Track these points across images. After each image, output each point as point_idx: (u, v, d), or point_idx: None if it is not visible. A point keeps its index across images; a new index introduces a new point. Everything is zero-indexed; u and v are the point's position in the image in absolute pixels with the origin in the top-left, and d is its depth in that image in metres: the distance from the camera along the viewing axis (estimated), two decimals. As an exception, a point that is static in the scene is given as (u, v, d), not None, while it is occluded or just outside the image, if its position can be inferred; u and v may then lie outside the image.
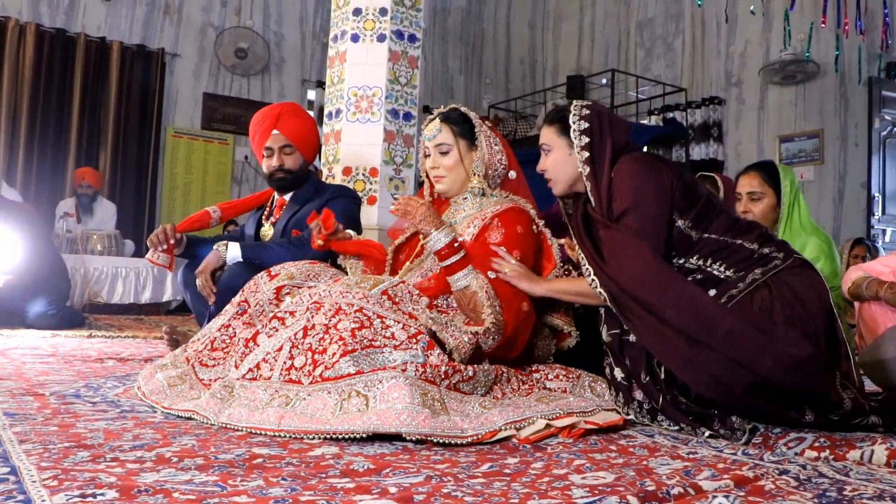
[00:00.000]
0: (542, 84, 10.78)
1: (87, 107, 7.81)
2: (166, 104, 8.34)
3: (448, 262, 2.18)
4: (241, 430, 1.72)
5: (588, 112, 2.17)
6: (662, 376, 1.96)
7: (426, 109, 9.67)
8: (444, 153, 2.38)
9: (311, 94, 9.14)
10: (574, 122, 2.15)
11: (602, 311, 2.13)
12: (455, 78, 10.44)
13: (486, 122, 2.45)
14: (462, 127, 2.39)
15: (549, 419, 1.80)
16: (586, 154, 2.12)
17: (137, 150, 8.06)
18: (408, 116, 4.36)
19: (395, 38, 4.34)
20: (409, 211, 2.26)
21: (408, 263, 2.44)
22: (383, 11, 4.33)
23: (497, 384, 2.04)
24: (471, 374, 1.93)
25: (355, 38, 4.34)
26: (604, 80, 9.43)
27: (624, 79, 9.22)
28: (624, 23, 10.03)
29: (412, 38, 4.40)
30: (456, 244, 2.20)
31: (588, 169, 2.12)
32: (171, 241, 2.94)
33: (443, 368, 1.88)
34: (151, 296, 6.17)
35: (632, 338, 2.02)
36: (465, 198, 2.40)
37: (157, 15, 8.35)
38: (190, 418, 1.85)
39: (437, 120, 2.42)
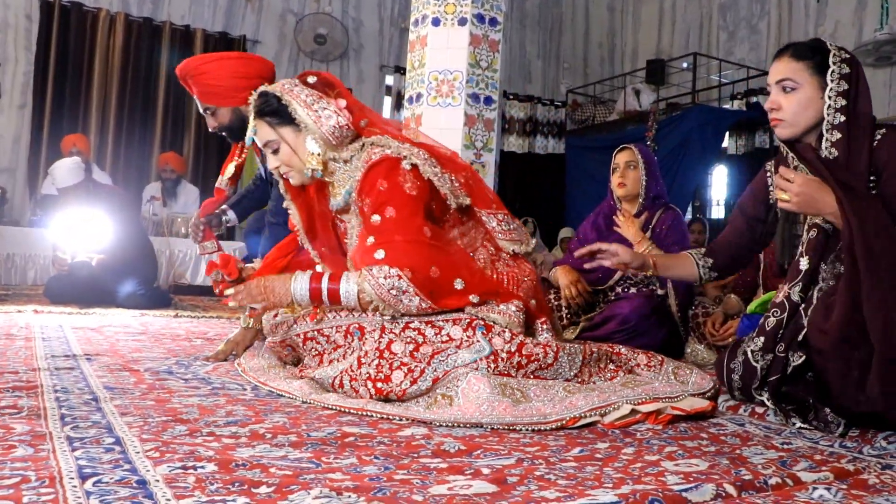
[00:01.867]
0: (620, 68, 10.58)
1: (171, 93, 8.02)
2: (248, 90, 8.47)
3: (325, 291, 1.95)
4: (332, 409, 1.74)
5: (848, 57, 1.92)
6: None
7: (505, 94, 9.62)
8: (275, 151, 2.12)
9: (390, 80, 9.18)
10: (835, 63, 1.89)
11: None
12: (533, 62, 10.34)
13: (309, 77, 2.13)
14: (279, 114, 2.09)
15: (634, 405, 1.76)
16: (842, 102, 1.88)
17: (220, 136, 8.21)
18: (488, 101, 4.33)
19: (477, 22, 4.31)
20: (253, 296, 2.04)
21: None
22: (464, -6, 4.31)
23: (585, 365, 1.97)
24: (550, 361, 1.88)
25: (436, 22, 4.33)
26: (685, 64, 9.20)
27: (706, 62, 8.98)
28: (706, 5, 9.76)
29: (493, 22, 4.36)
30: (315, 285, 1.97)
31: (842, 119, 1.87)
32: (202, 230, 3.06)
33: (510, 349, 1.85)
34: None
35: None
36: (331, 172, 2.13)
37: (239, 2, 8.50)
38: (280, 396, 1.88)
39: (253, 119, 2.14)
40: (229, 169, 3.03)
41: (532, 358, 1.86)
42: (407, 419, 1.65)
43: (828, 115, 1.88)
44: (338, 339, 1.96)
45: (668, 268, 2.30)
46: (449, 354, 1.82)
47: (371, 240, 1.94)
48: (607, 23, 10.86)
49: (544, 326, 2.06)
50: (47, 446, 1.29)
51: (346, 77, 8.97)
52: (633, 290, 3.27)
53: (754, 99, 8.57)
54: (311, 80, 2.12)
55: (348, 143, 2.10)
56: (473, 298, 1.92)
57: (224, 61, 2.88)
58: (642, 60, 10.02)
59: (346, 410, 1.72)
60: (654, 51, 10.26)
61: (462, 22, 4.30)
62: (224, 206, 3.35)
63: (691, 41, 9.81)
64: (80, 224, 4.51)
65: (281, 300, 1.99)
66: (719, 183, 9.47)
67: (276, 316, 2.15)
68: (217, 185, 3.13)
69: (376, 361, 1.83)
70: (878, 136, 1.86)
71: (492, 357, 1.83)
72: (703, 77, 8.86)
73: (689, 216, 8.29)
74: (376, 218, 1.96)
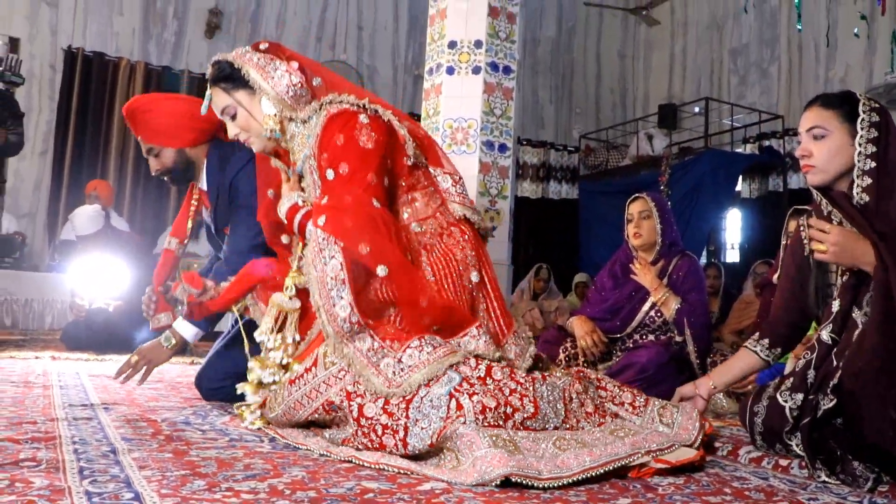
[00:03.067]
0: (633, 113, 10.67)
1: (189, 140, 8.12)
2: (264, 137, 8.59)
3: (296, 222, 2.03)
4: (350, 462, 1.72)
5: (878, 106, 1.98)
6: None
7: (518, 140, 9.70)
8: (233, 116, 2.12)
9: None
10: (865, 112, 1.95)
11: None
12: (545, 108, 10.45)
13: (261, 45, 2.14)
14: (233, 79, 2.10)
15: (625, 462, 1.68)
16: (873, 149, 1.92)
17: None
18: (503, 148, 4.37)
19: (491, 71, 4.38)
20: None
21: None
22: (478, 44, 4.37)
23: (569, 412, 1.86)
24: (532, 410, 1.78)
25: (451, 71, 4.39)
26: (697, 109, 9.27)
27: (717, 107, 9.04)
28: (717, 50, 9.86)
29: (507, 70, 4.43)
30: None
31: (873, 164, 1.92)
32: (154, 304, 2.81)
33: (479, 374, 1.79)
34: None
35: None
36: (292, 135, 2.13)
37: (255, 51, 8.64)
38: (297, 448, 1.88)
39: (209, 88, 2.16)
40: (189, 225, 2.90)
41: (515, 408, 1.77)
42: (422, 475, 1.63)
43: (858, 160, 1.92)
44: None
45: (729, 369, 2.29)
46: (422, 398, 1.75)
47: (324, 200, 1.95)
48: (619, 68, 10.98)
49: (480, 331, 1.94)
50: (66, 502, 1.28)
51: (360, 123, 9.06)
52: (650, 337, 3.26)
53: (767, 142, 8.61)
54: (263, 46, 2.16)
55: (305, 103, 2.11)
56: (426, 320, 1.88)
57: (172, 101, 2.82)
58: (654, 105, 10.10)
59: (364, 464, 1.71)
60: (666, 95, 10.34)
61: (476, 70, 4.36)
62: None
63: (703, 86, 9.90)
64: (99, 270, 4.55)
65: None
66: (733, 227, 9.47)
67: (262, 404, 2.11)
68: (166, 246, 2.94)
69: (361, 432, 1.79)
70: None
71: (466, 386, 1.75)
72: (715, 121, 8.91)
73: (703, 260, 8.27)
74: (330, 174, 1.97)
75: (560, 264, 8.82)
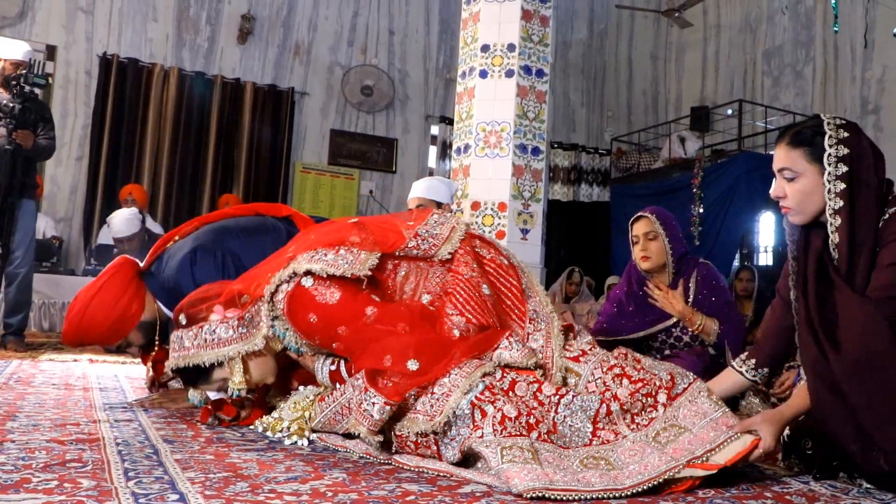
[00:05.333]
0: (665, 116, 10.59)
1: (221, 144, 8.22)
2: (295, 141, 8.68)
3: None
4: (390, 465, 1.73)
5: (847, 135, 1.83)
6: None
7: (550, 144, 9.69)
8: (224, 389, 2.21)
9: (435, 129, 9.30)
10: (831, 146, 1.82)
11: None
12: (577, 111, 10.41)
13: (180, 318, 2.17)
14: (195, 380, 2.22)
15: (661, 480, 1.59)
16: (842, 186, 1.80)
17: (268, 185, 8.41)
18: (536, 151, 4.36)
19: (524, 74, 4.37)
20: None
21: None
22: (511, 47, 4.37)
23: (598, 429, 1.78)
24: (552, 428, 1.74)
25: (483, 75, 4.39)
26: (730, 111, 9.18)
27: (751, 109, 8.95)
28: (750, 52, 9.76)
29: (540, 73, 4.41)
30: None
31: (841, 203, 1.79)
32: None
33: (503, 386, 1.78)
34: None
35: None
36: (272, 338, 2.13)
37: (287, 56, 8.73)
38: (336, 451, 1.88)
39: (190, 393, 2.29)
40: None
41: (538, 419, 1.74)
42: (462, 478, 1.63)
43: (829, 199, 1.81)
44: None
45: (714, 387, 2.12)
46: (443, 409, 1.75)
47: (356, 353, 1.98)
48: (650, 71, 10.91)
49: (511, 340, 1.91)
50: (114, 502, 1.30)
51: (391, 127, 9.11)
52: (684, 345, 3.19)
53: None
54: (183, 319, 2.16)
55: (257, 316, 2.08)
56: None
57: (95, 301, 2.61)
58: (686, 108, 10.02)
59: (404, 467, 1.71)
60: (699, 98, 10.25)
61: (509, 74, 4.35)
62: None
63: (736, 88, 9.80)
64: None
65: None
66: (767, 230, 9.36)
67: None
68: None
69: (396, 443, 1.83)
70: (887, 216, 1.78)
71: (488, 394, 1.74)
72: (748, 123, 8.82)
73: (736, 263, 8.18)
74: (336, 345, 2.00)
75: (592, 267, 8.77)
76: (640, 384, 1.85)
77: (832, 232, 1.81)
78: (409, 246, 2.10)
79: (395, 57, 9.25)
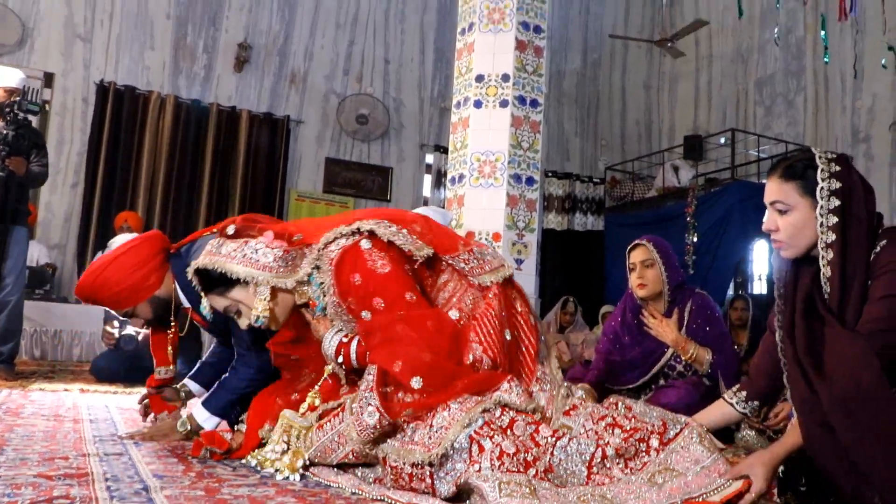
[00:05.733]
0: (658, 145, 10.66)
1: (217, 172, 8.23)
2: (290, 168, 8.69)
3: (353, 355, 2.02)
4: (382, 500, 1.71)
5: (839, 169, 1.83)
6: None
7: (544, 173, 9.72)
8: (237, 312, 2.15)
9: (430, 158, 9.33)
10: (823, 180, 1.82)
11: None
12: (571, 140, 10.47)
13: (228, 229, 2.11)
14: (219, 282, 2.11)
15: None
16: (834, 219, 1.80)
17: (262, 212, 8.38)
18: (530, 181, 4.37)
19: (518, 104, 4.39)
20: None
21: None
22: (506, 77, 4.39)
23: (593, 473, 1.76)
24: (548, 468, 1.74)
25: (478, 105, 4.42)
26: (722, 140, 9.25)
27: (744, 138, 9.01)
28: (742, 81, 9.85)
29: (534, 104, 4.44)
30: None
31: (834, 237, 1.80)
32: (147, 405, 2.73)
33: (502, 424, 1.76)
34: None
35: None
36: (302, 293, 2.13)
37: (283, 84, 8.77)
38: (328, 486, 1.86)
39: (204, 298, 2.19)
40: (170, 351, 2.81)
41: (536, 457, 1.74)
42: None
43: (821, 232, 1.81)
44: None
45: (705, 418, 2.14)
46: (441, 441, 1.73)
47: (374, 338, 1.93)
48: (644, 100, 10.99)
49: (512, 384, 1.89)
50: (102, 542, 1.28)
51: (386, 156, 9.14)
52: (677, 374, 3.18)
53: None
54: (231, 230, 2.12)
55: (299, 260, 2.08)
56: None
57: (116, 262, 2.61)
58: (680, 136, 10.09)
59: (396, 503, 1.70)
60: (692, 127, 10.33)
61: (504, 104, 4.38)
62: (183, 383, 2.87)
63: (728, 117, 9.88)
64: None
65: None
66: (761, 258, 9.38)
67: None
68: (155, 375, 2.82)
69: (391, 476, 1.81)
70: (878, 248, 1.78)
71: (487, 430, 1.73)
72: (741, 152, 8.88)
73: (731, 292, 8.19)
74: (367, 314, 1.96)
75: (586, 296, 8.77)
76: (632, 432, 1.83)
77: (824, 266, 1.80)
78: (460, 257, 2.10)
79: (390, 86, 9.30)
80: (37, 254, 6.85)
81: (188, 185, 8.10)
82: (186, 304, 2.62)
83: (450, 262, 2.11)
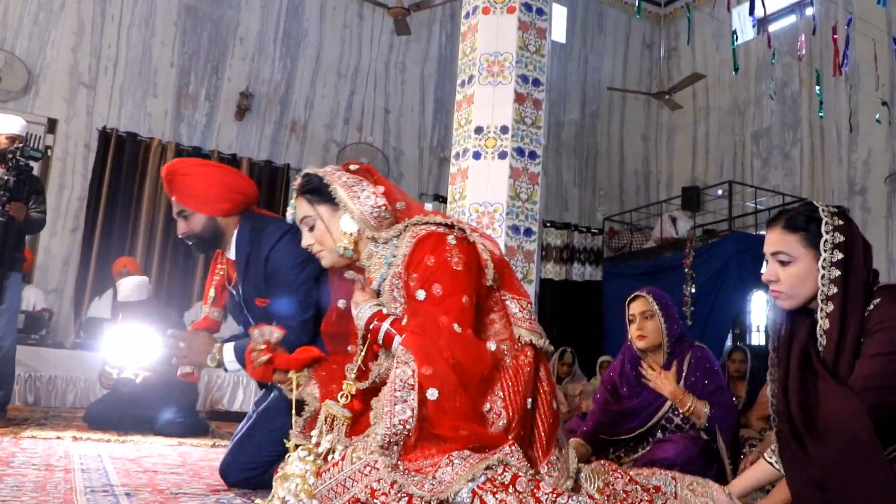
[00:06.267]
0: (656, 196, 10.73)
1: (216, 218, 8.25)
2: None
3: (382, 331, 1.99)
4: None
5: (842, 223, 1.85)
6: None
7: (543, 223, 9.75)
8: (311, 227, 2.15)
9: (428, 207, 9.36)
10: (827, 233, 1.83)
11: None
12: (569, 190, 10.53)
13: (351, 165, 2.21)
14: (319, 192, 2.15)
15: None
16: (837, 272, 1.81)
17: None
18: (528, 232, 4.38)
19: (517, 156, 4.42)
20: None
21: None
22: (504, 129, 4.43)
23: None
24: None
25: (477, 156, 4.45)
26: (720, 192, 9.31)
27: (741, 189, 9.08)
28: (739, 133, 9.95)
29: (533, 155, 4.47)
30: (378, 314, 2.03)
31: (836, 290, 1.80)
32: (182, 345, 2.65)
33: (504, 480, 1.73)
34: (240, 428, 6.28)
35: None
36: (369, 256, 2.14)
37: (283, 133, 8.86)
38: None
39: (294, 197, 2.21)
40: (211, 294, 2.88)
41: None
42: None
43: (822, 285, 1.83)
44: None
45: (745, 479, 2.11)
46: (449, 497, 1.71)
47: (409, 319, 1.94)
48: (642, 151, 11.10)
49: (513, 448, 1.84)
50: None
51: (385, 203, 9.18)
52: (675, 427, 3.16)
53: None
54: (353, 167, 2.20)
55: (387, 226, 2.12)
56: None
57: (211, 168, 2.84)
58: (677, 188, 10.16)
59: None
60: (689, 178, 10.41)
61: (502, 156, 4.41)
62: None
63: (725, 168, 9.96)
64: (133, 340, 4.62)
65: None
66: (759, 309, 9.37)
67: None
68: (205, 314, 2.91)
69: None
70: (872, 306, 1.79)
71: (490, 486, 1.70)
72: (738, 204, 8.93)
73: (728, 343, 8.17)
74: (421, 294, 1.95)
75: (584, 346, 8.74)
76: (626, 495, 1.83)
77: (822, 318, 1.81)
78: (520, 302, 2.09)
79: (390, 135, 9.39)
80: (33, 298, 6.84)
81: (187, 232, 8.11)
82: (230, 255, 2.75)
83: (508, 301, 2.09)
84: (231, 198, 2.72)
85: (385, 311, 2.06)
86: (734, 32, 5.09)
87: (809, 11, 8.62)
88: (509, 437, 1.87)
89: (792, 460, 1.69)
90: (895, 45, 4.93)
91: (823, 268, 1.82)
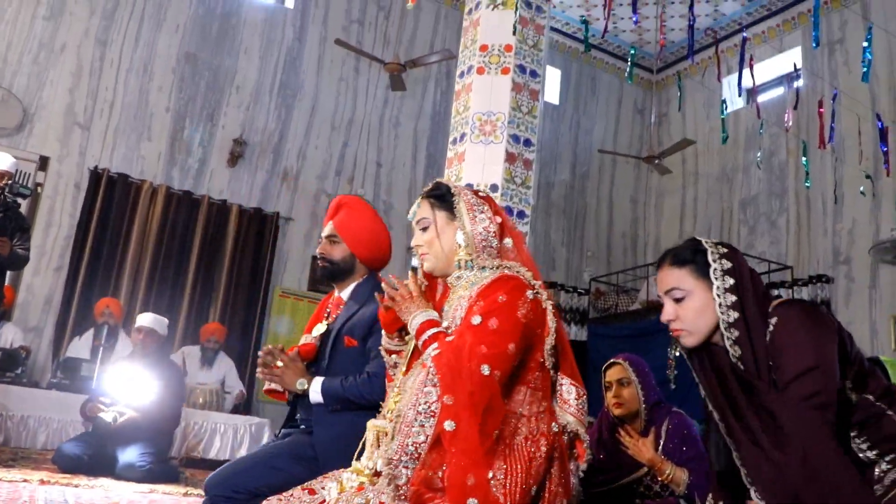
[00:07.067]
0: (643, 258, 10.77)
1: (203, 264, 8.23)
2: (276, 264, 8.71)
3: (424, 336, 2.00)
4: None
5: (726, 250, 1.87)
6: None
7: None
8: (424, 229, 2.22)
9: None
10: (715, 261, 1.85)
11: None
12: (557, 250, 10.57)
13: (481, 191, 2.28)
14: (443, 199, 2.21)
15: None
16: (732, 298, 1.80)
17: (245, 307, 8.37)
18: (514, 290, 4.38)
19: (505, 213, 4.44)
20: (395, 300, 2.13)
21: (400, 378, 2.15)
22: (494, 188, 4.46)
23: None
24: None
25: (465, 212, 4.47)
26: (707, 257, 9.34)
27: (728, 256, 9.12)
28: (727, 199, 10.06)
29: (521, 215, 4.50)
30: (434, 321, 2.05)
31: (737, 315, 1.79)
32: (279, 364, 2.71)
33: None
34: (246, 453, 6.17)
35: None
36: (459, 276, 2.17)
37: (275, 181, 8.89)
38: None
39: (420, 198, 2.30)
40: (319, 327, 2.95)
41: None
42: None
43: (721, 313, 1.81)
44: None
45: None
46: None
47: (452, 338, 1.93)
48: (630, 214, 11.18)
49: None
50: None
51: (373, 255, 9.18)
52: (654, 494, 3.12)
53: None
54: (482, 193, 2.26)
55: (488, 255, 2.14)
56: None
57: (376, 219, 3.04)
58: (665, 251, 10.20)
59: None
60: (677, 242, 10.40)
61: (490, 213, 4.43)
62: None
63: (713, 234, 10.02)
64: (129, 379, 4.69)
65: (405, 318, 2.12)
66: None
67: None
68: (303, 341, 2.97)
69: None
70: (771, 327, 1.78)
71: None
72: (725, 270, 8.95)
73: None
74: (477, 319, 1.93)
75: (567, 407, 8.66)
76: None
77: (731, 345, 1.79)
78: (580, 390, 2.06)
79: (381, 188, 9.44)
80: (11, 336, 6.75)
81: (173, 275, 8.08)
82: (343, 295, 2.92)
83: (565, 385, 2.05)
84: (375, 249, 2.95)
85: (438, 321, 2.09)
86: (723, 101, 5.18)
87: (798, 84, 8.81)
88: None
89: (772, 482, 1.62)
90: (879, 121, 5.02)
91: (718, 295, 1.81)
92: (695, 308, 1.85)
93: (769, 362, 1.74)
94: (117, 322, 6.86)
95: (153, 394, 4.68)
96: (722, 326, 1.81)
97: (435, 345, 1.96)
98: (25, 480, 3.74)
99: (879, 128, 4.89)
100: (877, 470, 1.66)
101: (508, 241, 2.19)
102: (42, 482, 3.75)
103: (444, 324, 2.07)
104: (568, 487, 1.94)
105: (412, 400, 1.82)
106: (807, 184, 7.13)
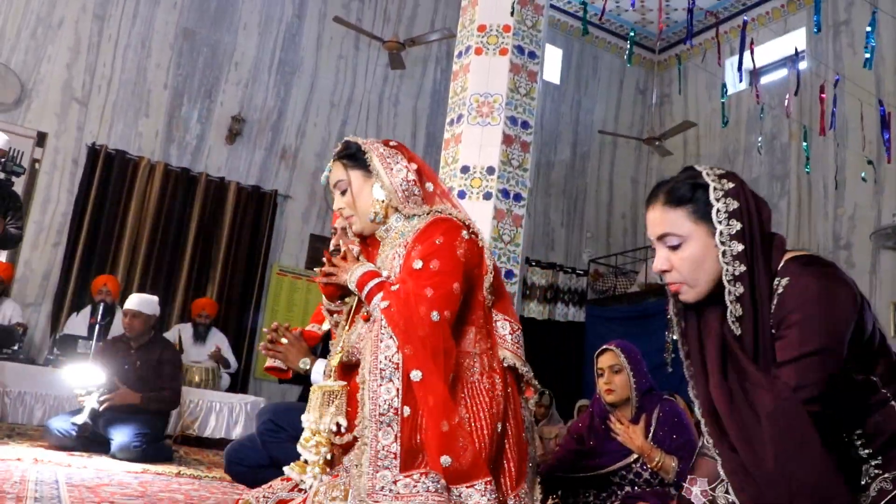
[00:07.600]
0: (643, 240, 10.74)
1: (200, 241, 8.21)
2: (274, 243, 8.70)
3: (367, 288, 2.03)
4: None
5: (732, 186, 1.56)
6: None
7: (528, 261, 9.74)
8: (343, 192, 2.23)
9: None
10: (718, 200, 1.55)
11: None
12: (556, 230, 10.55)
13: (391, 141, 2.29)
14: (355, 158, 2.24)
15: None
16: (739, 247, 1.52)
17: (243, 285, 8.36)
18: (510, 274, 4.37)
19: (501, 197, 4.43)
20: (334, 273, 2.14)
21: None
22: (491, 170, 4.44)
23: None
24: None
25: (462, 195, 4.45)
26: (706, 240, 9.32)
27: (727, 239, 9.10)
28: (728, 182, 10.01)
29: (518, 198, 4.48)
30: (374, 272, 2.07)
31: (743, 268, 1.51)
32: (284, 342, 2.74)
33: None
34: (243, 431, 6.20)
35: None
36: (388, 228, 2.20)
37: (273, 159, 8.85)
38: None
39: (331, 161, 2.31)
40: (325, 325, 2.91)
41: None
42: None
43: (725, 264, 1.53)
44: None
45: None
46: None
47: (398, 286, 1.95)
48: (631, 195, 11.14)
49: (489, 488, 1.76)
50: None
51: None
52: (644, 482, 3.12)
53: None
54: (393, 143, 2.28)
55: (413, 203, 2.16)
56: (445, 460, 1.73)
57: None
58: (664, 233, 10.18)
59: None
60: (676, 224, 10.43)
61: (487, 196, 4.41)
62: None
63: (713, 217, 9.98)
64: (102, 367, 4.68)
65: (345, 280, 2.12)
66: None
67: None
68: (309, 328, 2.94)
69: None
70: (780, 288, 1.51)
71: None
72: (724, 253, 8.94)
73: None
74: (419, 263, 1.96)
75: (562, 388, 8.68)
76: None
77: (732, 302, 1.52)
78: (514, 325, 2.09)
79: (380, 166, 9.39)
80: (10, 312, 6.75)
81: (170, 253, 8.07)
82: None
83: (499, 322, 2.08)
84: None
85: (378, 271, 2.10)
86: (724, 86, 5.14)
87: (802, 66, 8.73)
88: (487, 467, 1.81)
89: (728, 462, 1.45)
90: (881, 106, 4.97)
91: (723, 243, 1.53)
92: (692, 258, 1.57)
93: (772, 330, 1.50)
94: (115, 300, 6.86)
95: (157, 377, 4.72)
96: (725, 279, 1.53)
97: (381, 294, 1.97)
98: (18, 459, 3.75)
99: (882, 114, 4.84)
100: (864, 477, 1.48)
101: (430, 185, 2.23)
102: (35, 461, 3.76)
103: (384, 273, 2.09)
104: (519, 420, 2.00)
105: (370, 360, 1.82)
106: (807, 169, 7.09)
